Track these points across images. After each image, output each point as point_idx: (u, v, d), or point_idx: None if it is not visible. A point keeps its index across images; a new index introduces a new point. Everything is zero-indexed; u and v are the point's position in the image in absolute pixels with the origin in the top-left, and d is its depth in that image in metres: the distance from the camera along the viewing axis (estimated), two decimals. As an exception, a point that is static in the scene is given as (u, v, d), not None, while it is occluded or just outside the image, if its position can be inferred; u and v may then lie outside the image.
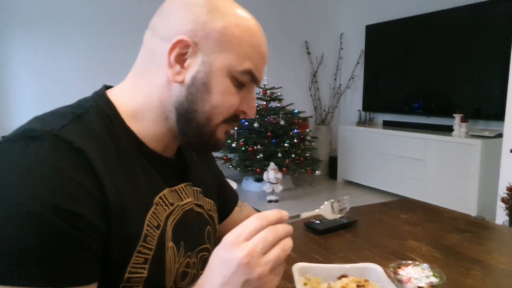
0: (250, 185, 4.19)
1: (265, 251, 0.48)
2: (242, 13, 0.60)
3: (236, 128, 4.08)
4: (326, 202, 0.62)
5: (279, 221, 0.50)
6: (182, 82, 0.58)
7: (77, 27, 3.67)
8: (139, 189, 0.56)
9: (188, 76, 0.58)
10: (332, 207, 0.63)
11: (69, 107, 0.58)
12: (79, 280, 0.47)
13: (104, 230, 0.50)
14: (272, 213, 0.50)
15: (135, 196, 0.55)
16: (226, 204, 0.85)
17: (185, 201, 0.66)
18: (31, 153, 0.48)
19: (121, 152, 0.56)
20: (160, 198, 0.60)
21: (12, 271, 0.43)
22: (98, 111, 0.58)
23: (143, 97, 0.60)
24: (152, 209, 0.58)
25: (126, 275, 0.53)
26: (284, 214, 0.51)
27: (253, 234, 0.48)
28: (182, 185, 0.67)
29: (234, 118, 0.62)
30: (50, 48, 3.60)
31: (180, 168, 0.69)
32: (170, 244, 0.59)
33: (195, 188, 0.70)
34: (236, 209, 0.87)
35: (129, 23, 3.55)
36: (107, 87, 0.64)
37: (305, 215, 0.60)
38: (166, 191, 0.62)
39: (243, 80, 0.60)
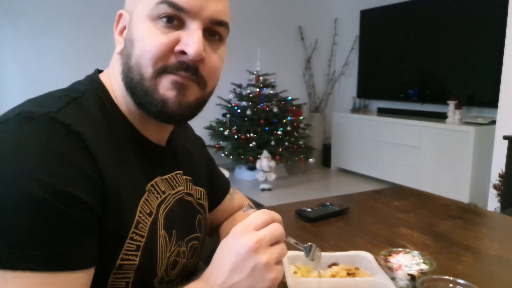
0: (243, 174, 4.18)
1: (272, 243, 0.52)
2: None
3: (227, 113, 4.05)
4: (310, 244, 0.64)
5: (280, 220, 0.56)
6: (121, 52, 0.58)
7: (63, 16, 3.58)
8: (132, 175, 0.56)
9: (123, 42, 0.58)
10: (314, 252, 0.64)
11: (64, 90, 0.57)
12: (79, 264, 0.46)
13: (101, 214, 0.49)
14: (277, 214, 0.56)
15: (129, 182, 0.54)
16: (218, 191, 0.84)
17: (176, 190, 0.65)
18: (28, 135, 0.46)
19: (116, 136, 0.55)
20: (152, 185, 0.59)
21: (13, 255, 0.42)
22: (92, 95, 0.57)
23: (114, 80, 0.60)
24: (145, 196, 0.57)
25: (118, 261, 0.52)
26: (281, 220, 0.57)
27: (261, 226, 0.53)
28: (174, 173, 0.66)
29: (177, 66, 0.54)
30: (36, 38, 3.51)
31: (171, 157, 0.67)
32: (162, 232, 0.59)
33: (185, 177, 0.69)
34: (228, 196, 0.86)
35: (115, 11, 3.46)
36: (100, 72, 0.63)
37: (291, 240, 0.62)
38: (158, 179, 0.61)
39: (164, 13, 0.53)
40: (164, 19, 0.53)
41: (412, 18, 3.92)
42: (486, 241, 0.92)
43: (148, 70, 0.54)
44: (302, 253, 0.74)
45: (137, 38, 0.54)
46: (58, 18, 3.57)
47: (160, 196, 0.60)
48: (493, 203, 2.54)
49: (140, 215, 0.55)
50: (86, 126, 0.51)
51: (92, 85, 0.59)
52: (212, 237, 0.86)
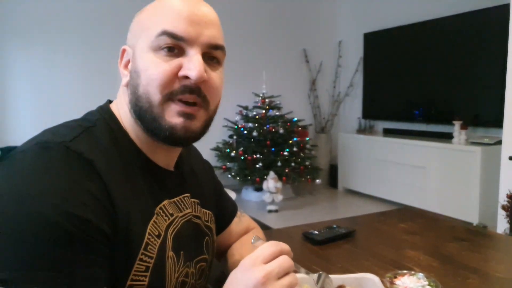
0: (249, 195, 4.18)
1: (280, 276, 0.53)
2: (166, 1, 0.61)
3: (234, 135, 4.09)
4: (320, 272, 0.65)
5: (289, 252, 0.57)
6: (127, 84, 0.62)
7: (75, 37, 3.70)
8: (141, 198, 0.59)
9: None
10: (323, 281, 0.64)
11: (77, 120, 0.61)
12: (92, 284, 0.48)
13: (112, 236, 0.52)
14: (286, 245, 0.58)
15: (138, 206, 0.57)
16: (225, 215, 0.85)
17: (184, 212, 0.67)
18: (44, 163, 0.50)
19: (125, 163, 0.59)
20: (161, 208, 0.62)
21: (28, 277, 0.44)
22: (103, 125, 0.61)
23: (122, 111, 0.64)
24: (154, 218, 0.59)
25: (128, 282, 0.54)
26: (291, 251, 0.58)
27: (270, 258, 0.54)
28: (181, 196, 0.68)
29: (181, 90, 0.58)
30: (48, 59, 3.62)
31: (179, 180, 0.70)
32: (170, 253, 0.61)
33: (193, 200, 0.71)
34: (235, 220, 0.87)
35: (124, 35, 3.56)
36: (110, 102, 0.67)
37: (302, 270, 0.63)
38: (166, 202, 0.63)
39: (165, 44, 0.57)
40: (165, 49, 0.58)
41: (415, 40, 3.99)
42: (493, 263, 0.93)
43: (156, 97, 0.58)
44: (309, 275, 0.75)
45: (142, 69, 0.58)
46: (70, 40, 3.68)
47: (169, 219, 0.63)
48: (502, 224, 2.51)
49: (149, 237, 0.57)
50: (97, 154, 0.54)
51: (103, 115, 0.63)
52: (220, 260, 0.87)
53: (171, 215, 0.64)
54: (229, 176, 3.94)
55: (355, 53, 4.76)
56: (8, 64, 3.51)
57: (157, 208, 0.61)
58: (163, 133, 0.59)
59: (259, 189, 4.01)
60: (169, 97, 0.58)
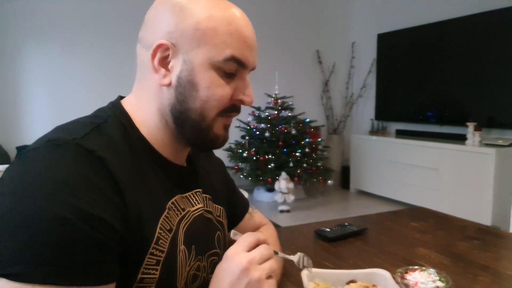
0: (261, 195, 4.21)
1: (262, 261, 0.58)
2: (218, 4, 0.60)
3: (246, 136, 4.12)
4: (299, 253, 0.73)
5: (265, 242, 0.62)
6: (169, 85, 0.60)
7: (90, 39, 3.78)
8: (153, 194, 0.60)
9: (173, 77, 0.60)
10: (303, 260, 0.72)
11: (89, 117, 0.62)
12: (101, 279, 0.50)
13: (122, 232, 0.53)
14: (261, 234, 0.63)
15: (150, 201, 0.59)
16: (237, 210, 0.87)
17: (195, 207, 0.69)
18: (56, 161, 0.51)
19: (137, 159, 0.59)
20: (172, 203, 0.63)
21: (42, 271, 0.45)
22: (115, 121, 0.61)
23: (145, 107, 0.64)
24: (165, 213, 0.61)
25: (139, 275, 0.56)
26: (267, 239, 0.63)
27: (250, 247, 0.59)
28: (193, 191, 0.70)
29: (231, 109, 0.63)
30: (63, 60, 3.70)
31: (190, 176, 0.71)
32: (181, 247, 0.62)
33: (204, 195, 0.73)
34: (247, 216, 0.89)
35: (138, 33, 3.62)
36: (121, 98, 0.68)
37: (280, 254, 0.70)
38: (177, 197, 0.65)
39: (230, 69, 0.60)
40: (229, 73, 0.61)
41: (429, 41, 3.96)
42: (504, 262, 0.93)
43: (211, 114, 0.61)
44: (321, 270, 0.78)
45: (203, 85, 0.59)
46: (84, 40, 3.76)
47: (180, 213, 0.64)
48: (516, 227, 2.48)
49: (160, 231, 0.59)
50: (108, 151, 0.55)
51: (115, 112, 0.63)
52: None
53: (183, 209, 0.65)
54: (241, 176, 3.97)
55: (368, 54, 4.74)
56: (23, 64, 3.60)
57: (169, 203, 0.62)
58: (204, 144, 0.65)
59: (271, 189, 4.03)
60: (220, 114, 0.62)
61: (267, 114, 4.16)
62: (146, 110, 0.63)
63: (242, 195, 0.92)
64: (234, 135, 4.23)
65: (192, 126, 0.61)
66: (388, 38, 4.42)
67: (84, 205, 0.49)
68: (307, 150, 4.05)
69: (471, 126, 3.42)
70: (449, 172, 3.46)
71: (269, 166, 3.89)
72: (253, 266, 0.56)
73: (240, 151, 4.02)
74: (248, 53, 0.61)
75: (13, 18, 3.50)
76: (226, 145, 4.13)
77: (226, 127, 0.65)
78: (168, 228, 0.60)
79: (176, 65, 0.60)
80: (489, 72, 3.45)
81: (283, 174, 3.71)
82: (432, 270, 0.73)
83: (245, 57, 0.61)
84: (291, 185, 3.68)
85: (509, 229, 2.54)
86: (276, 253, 0.66)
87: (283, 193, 3.70)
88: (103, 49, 3.83)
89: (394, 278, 0.73)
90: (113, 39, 3.85)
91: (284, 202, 3.75)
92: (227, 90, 0.61)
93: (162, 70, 0.60)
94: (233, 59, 0.59)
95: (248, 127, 4.16)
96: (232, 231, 0.66)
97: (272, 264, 0.59)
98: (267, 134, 3.95)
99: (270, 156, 3.92)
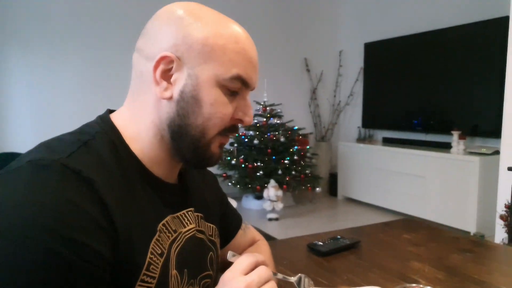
0: (250, 203, 4.18)
1: (260, 285, 0.55)
2: (225, 21, 0.60)
3: (235, 143, 4.10)
4: (299, 274, 0.70)
5: (264, 263, 0.59)
6: (170, 98, 0.58)
7: (75, 46, 3.72)
8: (143, 216, 0.57)
9: (176, 91, 0.58)
10: (303, 282, 0.69)
11: (75, 133, 0.59)
12: None
13: (111, 259, 0.50)
14: (260, 256, 0.59)
15: (140, 224, 0.55)
16: (230, 227, 0.85)
17: (187, 228, 0.66)
18: (40, 184, 0.47)
19: (127, 179, 0.56)
20: (163, 225, 0.60)
21: None
22: (103, 137, 0.58)
23: (139, 121, 0.61)
24: (156, 236, 0.58)
25: None
26: (265, 260, 0.60)
27: (248, 270, 0.56)
28: (185, 211, 0.67)
29: (230, 128, 0.62)
30: (47, 64, 3.63)
31: (182, 194, 0.68)
32: (173, 272, 0.59)
33: (197, 214, 0.70)
34: (240, 232, 0.87)
35: (128, 42, 3.57)
36: (110, 111, 0.64)
37: (279, 276, 0.66)
38: (169, 218, 0.62)
39: (234, 87, 0.59)
40: (232, 91, 0.60)
41: (416, 50, 4.03)
42: (497, 275, 0.94)
43: (212, 132, 0.60)
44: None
45: (206, 102, 0.58)
46: (69, 45, 3.69)
47: (172, 235, 0.61)
48: (500, 234, 2.52)
49: (151, 256, 0.56)
50: (97, 171, 0.52)
51: (103, 127, 0.60)
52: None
53: (175, 231, 0.62)
54: (230, 184, 3.94)
55: (355, 62, 4.80)
56: (6, 69, 3.51)
57: (160, 225, 0.59)
58: (199, 162, 0.63)
59: (259, 197, 4.01)
60: (220, 133, 0.61)
61: (255, 121, 4.15)
62: (141, 124, 0.60)
63: (235, 210, 0.90)
64: (222, 142, 4.19)
65: (191, 143, 0.59)
66: (375, 47, 4.48)
67: (70, 233, 0.46)
68: (295, 157, 4.05)
69: (455, 134, 3.48)
70: (435, 180, 3.51)
71: (258, 174, 3.87)
72: None
73: (229, 158, 3.99)
74: (253, 73, 0.61)
75: (-3, 23, 3.42)
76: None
77: (222, 146, 0.64)
78: (159, 252, 0.57)
79: (180, 79, 0.58)
80: (473, 81, 3.53)
81: (272, 182, 3.70)
82: (429, 288, 0.73)
83: (249, 76, 0.60)
84: (279, 192, 3.67)
85: (493, 236, 2.58)
86: (275, 274, 0.63)
87: (272, 200, 3.68)
88: (88, 56, 3.77)
89: (391, 295, 0.73)
90: (99, 44, 3.79)
91: (273, 210, 3.73)
92: (229, 108, 0.60)
93: (164, 83, 0.58)
94: (239, 78, 0.59)
95: (237, 134, 4.13)
96: (229, 252, 0.62)
97: (272, 287, 0.56)
98: (255, 141, 3.94)
99: (258, 164, 3.91)
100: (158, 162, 0.62)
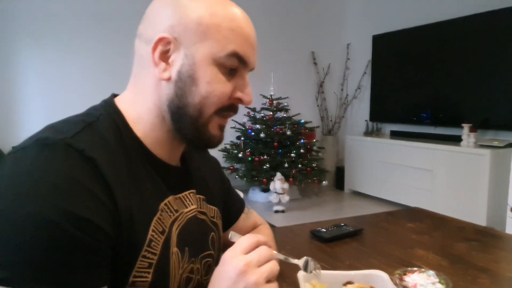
0: (256, 196, 4.19)
1: (260, 264, 0.54)
2: (222, 2, 0.60)
3: (241, 136, 4.10)
4: (305, 257, 0.66)
5: (267, 243, 0.58)
6: (169, 79, 0.59)
7: (86, 37, 3.75)
8: (145, 195, 0.58)
9: (174, 71, 0.58)
10: (310, 265, 0.66)
11: (80, 115, 0.60)
12: (92, 283, 0.49)
13: (113, 235, 0.51)
14: (262, 236, 0.58)
15: (142, 203, 0.57)
16: (232, 211, 0.86)
17: (189, 208, 0.67)
18: (44, 161, 0.49)
19: (129, 159, 0.58)
20: (165, 204, 0.61)
21: (27, 276, 0.44)
22: (107, 119, 0.59)
23: (141, 103, 0.62)
24: (158, 215, 0.59)
25: (131, 278, 0.54)
26: (268, 241, 0.59)
27: (248, 249, 0.55)
28: (186, 192, 0.68)
29: (228, 108, 0.62)
30: (59, 58, 3.67)
31: (184, 176, 0.70)
32: (174, 249, 0.61)
33: (198, 196, 0.71)
34: (243, 216, 0.87)
35: (135, 30, 3.61)
36: (115, 95, 0.66)
37: (281, 256, 0.63)
38: (170, 198, 0.63)
39: (231, 65, 0.59)
40: (229, 69, 0.60)
41: (424, 42, 3.96)
42: (503, 264, 0.92)
43: (209, 111, 0.60)
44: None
45: (203, 80, 0.58)
46: (81, 39, 3.72)
47: (173, 215, 0.62)
48: (511, 227, 2.49)
49: (152, 233, 0.57)
50: (99, 151, 0.53)
51: (107, 110, 0.61)
52: None
53: (176, 211, 0.63)
54: (237, 177, 3.95)
55: (363, 55, 4.74)
56: (18, 63, 3.56)
57: (162, 204, 0.61)
58: (200, 142, 0.63)
59: (266, 190, 4.01)
60: (218, 112, 0.61)
61: (262, 115, 4.14)
62: (142, 106, 0.62)
63: (238, 195, 0.91)
64: (230, 135, 4.20)
65: (190, 123, 0.60)
66: (383, 39, 4.43)
67: (73, 208, 0.47)
68: (302, 151, 4.04)
69: (466, 127, 3.43)
70: (443, 173, 3.46)
71: (264, 167, 3.87)
72: (251, 269, 0.53)
73: (236, 151, 4.00)
74: (250, 51, 0.61)
75: (8, 19, 3.45)
76: (222, 146, 4.10)
77: (222, 128, 0.64)
78: (161, 230, 0.59)
79: (177, 59, 0.58)
80: (484, 73, 3.46)
81: (278, 175, 3.70)
82: (431, 272, 0.71)
83: (246, 54, 0.60)
84: (286, 185, 3.67)
85: (504, 230, 2.54)
86: (281, 257, 0.62)
87: (278, 193, 3.68)
88: (98, 50, 3.79)
89: (392, 279, 0.72)
90: (110, 37, 3.81)
91: (279, 203, 3.73)
92: (227, 87, 0.60)
93: (162, 64, 0.59)
94: (236, 55, 0.59)
95: (244, 128, 4.14)
96: (231, 233, 0.62)
97: (272, 267, 0.55)
98: (262, 135, 3.94)
99: (265, 157, 3.91)
100: (160, 144, 0.63)
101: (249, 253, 0.55)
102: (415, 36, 4.05)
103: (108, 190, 0.51)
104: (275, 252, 0.60)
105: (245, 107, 4.20)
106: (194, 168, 0.73)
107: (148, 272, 0.56)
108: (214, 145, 0.64)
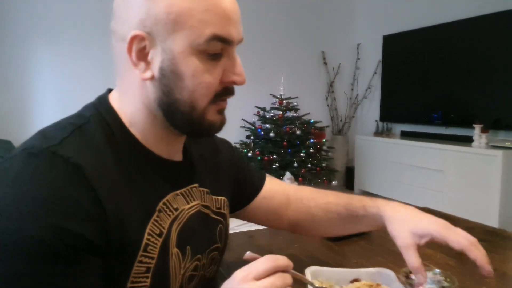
0: (266, 195, 4.20)
1: None
2: None
3: (251, 135, 4.12)
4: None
5: (287, 268, 0.51)
6: (152, 78, 0.55)
7: (100, 39, 3.79)
8: (141, 197, 0.56)
9: (155, 69, 0.55)
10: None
11: (71, 117, 0.58)
12: None
13: (104, 245, 0.50)
14: (283, 259, 0.51)
15: (135, 206, 0.55)
16: (251, 184, 0.84)
17: (191, 204, 0.64)
18: (28, 172, 0.48)
19: (122, 161, 0.55)
20: (164, 203, 0.59)
21: None
22: (98, 120, 0.57)
23: (129, 103, 0.59)
24: (154, 216, 0.57)
25: (128, 285, 0.53)
26: (291, 264, 0.52)
27: (263, 275, 0.49)
28: (189, 187, 0.66)
29: (223, 92, 0.58)
30: (73, 60, 3.72)
31: (186, 170, 0.67)
32: (174, 250, 0.58)
33: (202, 189, 0.69)
34: (268, 179, 0.86)
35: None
36: (110, 90, 0.64)
37: (303, 276, 0.60)
38: (170, 196, 0.61)
39: (215, 50, 0.55)
40: (215, 55, 0.55)
41: (435, 42, 3.93)
42: (511, 264, 0.92)
43: (202, 103, 0.57)
44: (325, 268, 0.77)
45: (187, 74, 0.54)
46: (95, 44, 3.77)
47: (173, 214, 0.60)
48: (523, 230, 2.45)
49: (148, 237, 0.55)
50: (87, 156, 0.51)
51: (99, 109, 0.59)
52: (296, 231, 0.88)
53: (176, 209, 0.61)
54: (246, 176, 3.96)
55: (373, 55, 4.72)
56: (33, 62, 3.62)
57: (161, 204, 0.58)
58: (201, 132, 0.61)
59: (275, 189, 4.02)
60: (212, 101, 0.58)
61: (272, 114, 4.16)
62: (131, 106, 0.59)
63: (256, 171, 0.88)
64: (239, 135, 4.23)
65: (184, 118, 0.57)
66: (394, 39, 4.40)
67: (59, 222, 0.45)
68: (311, 150, 4.05)
69: (477, 127, 3.39)
70: (454, 174, 3.43)
71: (274, 166, 3.89)
72: None
73: (245, 150, 4.02)
74: (231, 27, 0.55)
75: (24, 20, 3.52)
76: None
77: (221, 111, 0.60)
78: (158, 232, 0.57)
79: (156, 56, 0.54)
80: (496, 73, 3.42)
81: (288, 174, 3.71)
82: (437, 270, 0.72)
83: (228, 32, 0.54)
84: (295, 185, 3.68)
85: (515, 232, 2.51)
86: (303, 274, 0.60)
87: (287, 193, 3.69)
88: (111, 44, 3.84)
89: (398, 277, 0.73)
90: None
91: (288, 203, 3.74)
92: (214, 75, 0.56)
93: (142, 64, 0.55)
94: (216, 37, 0.53)
95: (253, 127, 4.16)
96: (248, 253, 0.54)
97: None
98: (271, 134, 3.95)
99: (274, 156, 3.92)
100: (159, 141, 0.61)
101: (262, 280, 0.49)
102: (426, 36, 4.01)
103: (96, 197, 0.49)
104: (298, 274, 0.55)
105: (255, 106, 4.23)
106: (197, 158, 0.71)
107: (147, 277, 0.54)
108: (216, 131, 0.61)
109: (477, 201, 3.24)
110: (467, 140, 3.52)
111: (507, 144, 3.20)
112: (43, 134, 0.54)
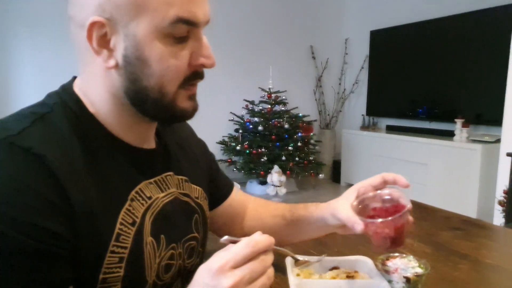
0: (254, 188, 4.23)
1: (252, 281, 0.46)
2: None
3: (240, 129, 4.14)
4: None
5: (267, 249, 0.49)
6: (116, 66, 0.53)
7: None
8: (110, 187, 0.54)
9: (119, 57, 0.52)
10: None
11: (32, 106, 0.56)
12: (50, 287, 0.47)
13: (70, 236, 0.48)
14: (263, 241, 0.48)
15: (105, 196, 0.53)
16: (221, 189, 0.83)
17: (165, 192, 0.63)
18: None
19: (89, 151, 0.53)
20: (136, 192, 0.57)
21: None
22: (63, 108, 0.55)
23: (94, 92, 0.57)
24: (126, 205, 0.55)
25: (101, 276, 0.51)
26: (272, 241, 0.49)
27: (241, 263, 0.46)
28: (163, 175, 0.64)
29: (193, 76, 0.56)
30: (54, 47, 3.63)
31: (160, 158, 0.65)
32: (149, 239, 0.57)
33: (179, 177, 0.67)
34: (235, 189, 0.87)
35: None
36: (76, 78, 0.61)
37: (285, 250, 0.62)
38: (142, 185, 0.59)
39: (180, 33, 0.52)
40: (181, 38, 0.53)
41: (421, 38, 4.00)
42: (484, 251, 0.97)
43: (172, 89, 0.54)
44: (304, 257, 0.80)
45: (153, 59, 0.52)
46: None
47: (146, 203, 0.58)
48: (498, 219, 2.55)
49: (120, 226, 0.53)
50: (50, 146, 0.49)
51: (64, 98, 0.56)
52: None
53: (149, 198, 0.59)
54: (234, 169, 3.99)
55: (361, 50, 4.77)
56: (13, 54, 3.54)
57: (133, 193, 0.57)
58: (172, 119, 0.59)
59: (263, 182, 4.06)
60: (182, 86, 0.56)
61: (260, 108, 4.18)
62: (97, 96, 0.56)
63: (226, 176, 0.88)
64: (228, 128, 4.24)
65: (154, 104, 0.55)
66: (381, 35, 4.45)
67: (21, 215, 0.44)
68: (299, 144, 4.09)
69: (459, 122, 3.48)
70: (437, 167, 3.52)
71: (262, 160, 3.92)
72: None
73: (234, 144, 4.04)
74: (196, 8, 0.52)
75: (4, 9, 3.44)
76: (219, 138, 4.16)
77: (192, 97, 0.58)
78: (131, 221, 0.55)
79: (119, 43, 0.52)
80: (478, 70, 3.50)
81: (276, 168, 3.74)
82: (411, 257, 0.76)
83: (193, 14, 0.52)
84: (283, 178, 3.72)
85: (492, 222, 2.60)
86: (286, 248, 0.61)
87: (275, 186, 3.73)
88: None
89: (376, 265, 0.76)
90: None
91: (276, 195, 3.79)
92: (182, 58, 0.54)
93: (104, 51, 0.52)
94: (180, 20, 0.51)
95: (242, 121, 4.18)
96: (226, 237, 0.51)
97: (265, 281, 0.47)
98: (260, 127, 3.98)
99: (263, 150, 3.95)
100: (128, 128, 0.59)
101: (240, 268, 0.46)
102: (412, 32, 4.08)
103: (59, 187, 0.48)
104: (280, 248, 0.53)
105: (244, 100, 4.24)
106: (173, 147, 0.69)
107: (120, 267, 0.53)
108: (188, 117, 0.59)
109: (457, 193, 3.34)
110: (450, 135, 3.61)
111: (486, 138, 3.29)
112: (1, 124, 0.51)
